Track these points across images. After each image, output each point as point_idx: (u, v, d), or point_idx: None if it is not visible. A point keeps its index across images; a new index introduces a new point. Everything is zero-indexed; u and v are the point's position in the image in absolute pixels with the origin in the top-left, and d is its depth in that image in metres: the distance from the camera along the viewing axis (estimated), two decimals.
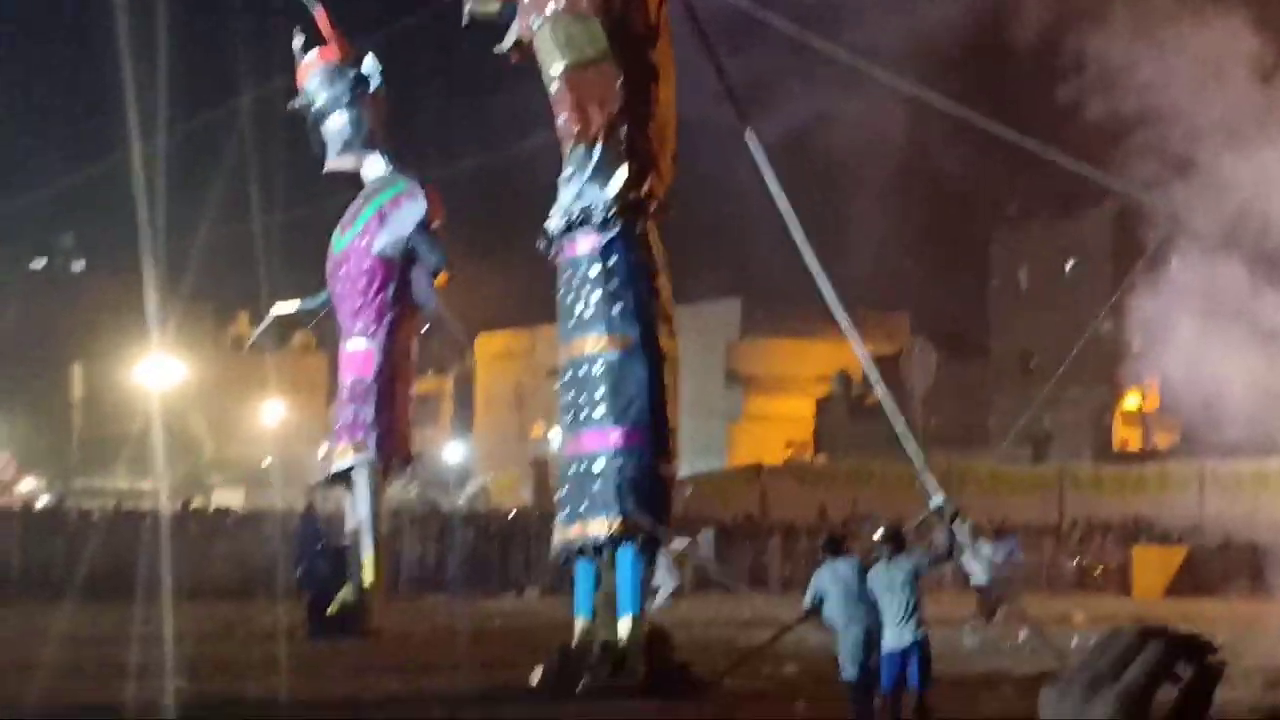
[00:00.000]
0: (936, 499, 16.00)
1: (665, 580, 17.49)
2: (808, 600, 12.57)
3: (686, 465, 18.00)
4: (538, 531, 32.88)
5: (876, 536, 12.60)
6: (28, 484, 58.40)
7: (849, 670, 12.12)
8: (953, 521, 14.68)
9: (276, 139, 23.78)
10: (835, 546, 12.95)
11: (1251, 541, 35.11)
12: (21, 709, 12.80)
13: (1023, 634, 20.08)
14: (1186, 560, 34.77)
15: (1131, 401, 54.28)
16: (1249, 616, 26.97)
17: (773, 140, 16.75)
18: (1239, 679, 17.13)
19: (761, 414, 62.02)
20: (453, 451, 63.90)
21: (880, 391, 17.82)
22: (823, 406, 60.62)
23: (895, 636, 11.71)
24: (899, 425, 17.28)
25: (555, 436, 51.20)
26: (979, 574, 24.60)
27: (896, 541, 12.30)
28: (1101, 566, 35.61)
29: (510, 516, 37.24)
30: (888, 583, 11.81)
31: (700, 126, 17.08)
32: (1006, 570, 26.52)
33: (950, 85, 17.42)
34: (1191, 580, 33.85)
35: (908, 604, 11.76)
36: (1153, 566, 34.58)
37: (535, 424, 56.49)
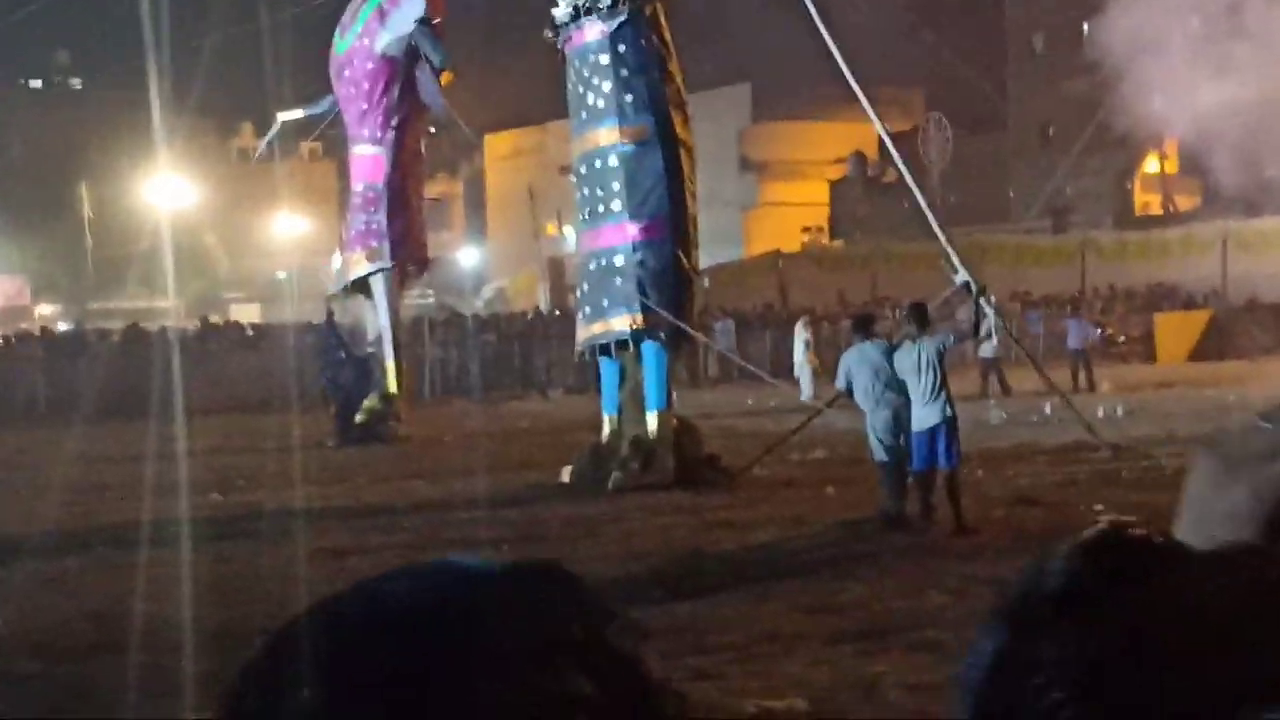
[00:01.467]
0: (960, 275, 15.78)
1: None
2: (840, 381, 12.46)
3: (703, 256, 17.73)
4: (558, 331, 32.90)
5: (901, 315, 12.43)
6: (44, 309, 58.54)
7: (879, 452, 12.07)
8: (980, 296, 14.46)
9: None
10: (864, 327, 12.77)
11: (1277, 301, 34.96)
12: (59, 530, 12.87)
13: (1048, 406, 20.06)
14: (1210, 324, 34.64)
15: (1152, 165, 53.61)
16: (1275, 375, 26.93)
17: None
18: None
19: (777, 200, 61.48)
20: (467, 255, 63.72)
21: (900, 166, 17.43)
22: (838, 189, 60.07)
23: (924, 415, 11.63)
24: (921, 200, 16.93)
25: (570, 235, 50.97)
26: (988, 348, 24.88)
27: (920, 320, 12.14)
28: (1124, 335, 35.49)
29: (529, 318, 37.21)
30: (913, 362, 11.68)
31: None
32: (1080, 341, 27.16)
33: None
34: (1217, 344, 33.75)
35: (935, 382, 11.65)
36: (1176, 332, 34.48)
37: (549, 223, 56.10)
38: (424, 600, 0.76)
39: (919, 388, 11.64)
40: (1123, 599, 0.77)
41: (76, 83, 73.81)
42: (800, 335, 28.24)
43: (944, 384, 11.75)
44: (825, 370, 26.28)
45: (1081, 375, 26.34)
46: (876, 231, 48.00)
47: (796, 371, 27.37)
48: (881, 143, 45.17)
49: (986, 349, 24.48)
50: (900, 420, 11.88)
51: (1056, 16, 53.88)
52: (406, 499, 14.85)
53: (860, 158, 58.78)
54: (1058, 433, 17.96)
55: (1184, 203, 50.82)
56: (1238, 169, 45.94)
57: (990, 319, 18.27)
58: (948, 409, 11.70)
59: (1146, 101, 52.84)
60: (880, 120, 17.35)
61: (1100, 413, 19.61)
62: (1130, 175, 53.77)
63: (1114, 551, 0.80)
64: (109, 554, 11.91)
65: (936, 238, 16.86)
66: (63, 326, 39.88)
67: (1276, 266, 35.00)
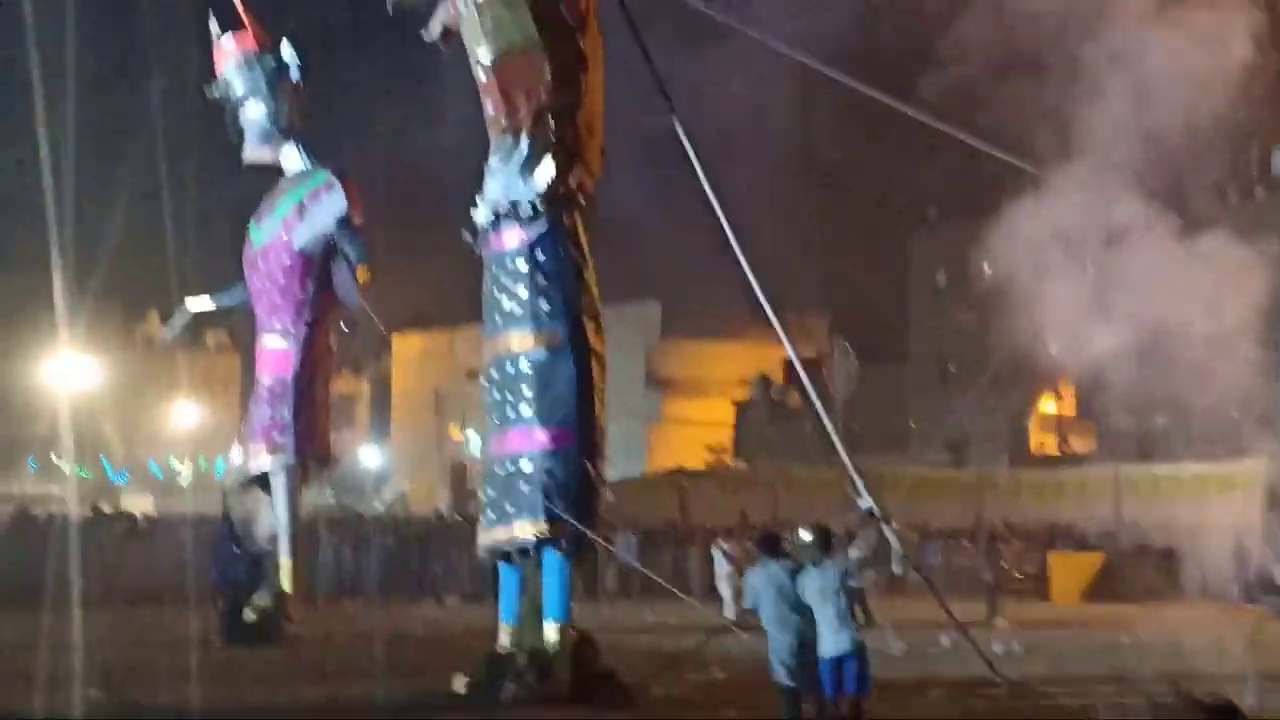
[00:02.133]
0: (865, 501, 15.85)
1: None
2: (747, 600, 12.32)
3: (608, 469, 17.70)
4: (457, 537, 32.47)
5: (804, 539, 12.34)
6: None
7: (782, 675, 11.86)
8: (886, 523, 14.50)
9: (187, 128, 23.25)
10: (771, 546, 12.66)
11: (1167, 546, 35.44)
12: None
13: (945, 639, 20.02)
14: (1103, 566, 35.01)
15: (1048, 406, 54.77)
16: (1165, 620, 27.15)
17: (694, 133, 16.45)
18: (1163, 681, 17.17)
19: (681, 417, 61.87)
20: (369, 455, 63.21)
21: (809, 390, 17.63)
22: (742, 410, 60.63)
23: (833, 643, 11.46)
24: (828, 425, 17.11)
25: (474, 439, 50.76)
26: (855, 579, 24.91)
27: (825, 544, 12.06)
28: (1018, 573, 35.72)
29: (429, 522, 36.73)
30: (820, 587, 11.57)
31: (617, 125, 16.80)
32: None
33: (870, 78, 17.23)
34: (1108, 585, 34.07)
35: (842, 608, 11.54)
36: (1069, 572, 34.78)
37: (453, 427, 55.96)
38: None
39: (825, 613, 11.52)
40: None
41: None
42: (720, 552, 28.23)
43: (852, 610, 11.64)
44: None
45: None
46: (780, 454, 48.34)
47: (720, 587, 27.34)
48: (788, 367, 45.81)
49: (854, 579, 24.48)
50: (805, 644, 11.72)
51: (959, 252, 55.47)
52: (292, 701, 14.38)
53: (765, 381, 59.54)
54: (956, 666, 17.87)
55: (1079, 444, 51.81)
56: (1129, 414, 47.13)
57: (894, 546, 18.37)
58: (858, 637, 11.58)
59: (1042, 343, 54.23)
60: (789, 344, 17.63)
61: (998, 648, 19.59)
62: (1026, 415, 54.89)
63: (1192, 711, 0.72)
64: None
65: (839, 464, 16.99)
66: None
67: (1166, 512, 35.56)
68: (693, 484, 44.32)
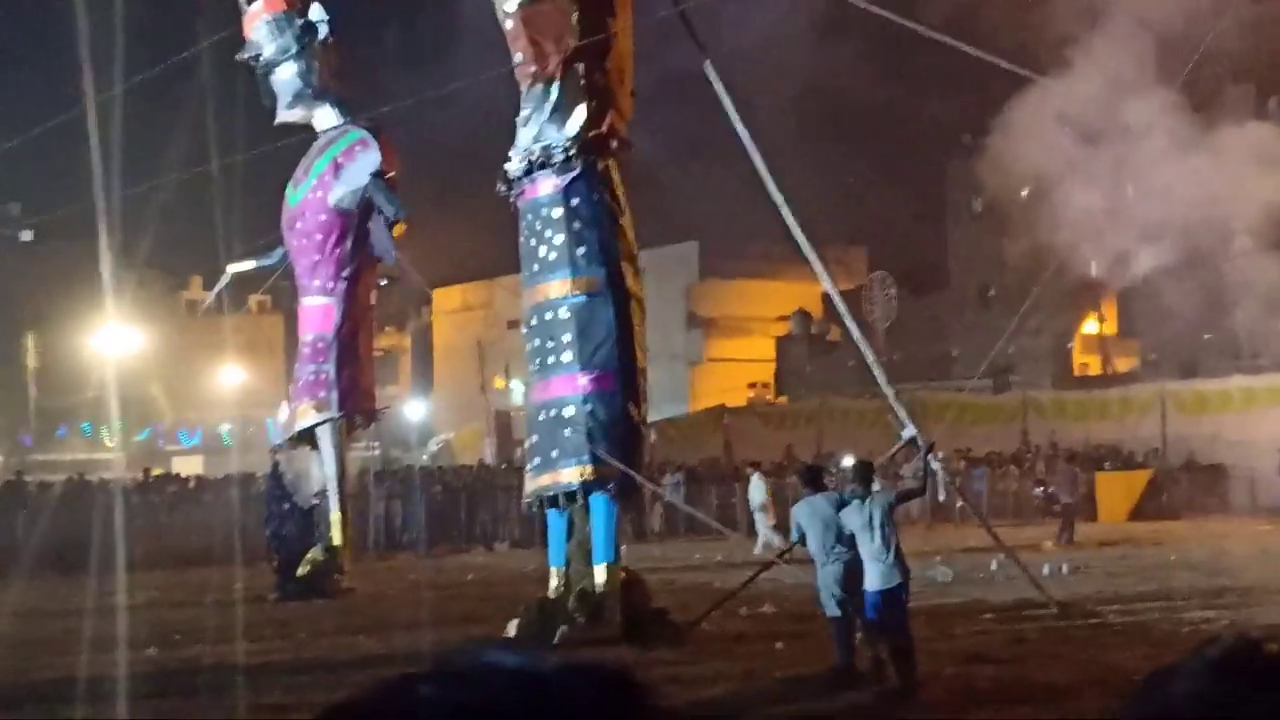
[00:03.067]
0: (908, 430, 15.93)
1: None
2: (793, 534, 12.46)
3: (651, 410, 17.80)
4: (503, 485, 32.75)
5: (845, 472, 12.45)
6: None
7: (830, 606, 12.00)
8: (928, 452, 14.55)
9: (224, 93, 23.33)
10: (814, 480, 12.77)
11: (1214, 461, 35.37)
12: None
13: (994, 563, 20.10)
14: (1150, 483, 34.95)
15: (1090, 327, 54.47)
16: (1215, 536, 27.17)
17: (729, 75, 16.47)
18: (1212, 596, 17.22)
19: (723, 356, 61.92)
20: (414, 408, 63.56)
21: (848, 323, 17.66)
22: (783, 346, 60.58)
23: (879, 575, 11.55)
24: (868, 356, 17.14)
25: (517, 389, 50.99)
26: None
27: (866, 478, 12.16)
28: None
29: (475, 471, 37.00)
30: (863, 521, 11.66)
31: (649, 66, 16.81)
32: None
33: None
34: (1156, 503, 34.05)
35: (888, 540, 11.62)
36: (1117, 491, 34.72)
37: (496, 377, 56.16)
38: (466, 707, 0.69)
39: (871, 546, 11.60)
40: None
41: (27, 235, 73.74)
42: (757, 488, 28.30)
43: (896, 541, 11.74)
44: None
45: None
46: (821, 388, 48.35)
47: (757, 524, 27.45)
48: (826, 301, 45.74)
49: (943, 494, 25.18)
50: (851, 575, 11.83)
51: (995, 179, 55.10)
52: (349, 654, 14.61)
53: (805, 316, 59.44)
54: (1004, 590, 17.96)
55: (1123, 364, 51.55)
56: (1174, 331, 46.86)
57: (938, 474, 18.44)
58: (903, 571, 11.67)
59: (1084, 264, 53.91)
60: (826, 278, 17.65)
61: (1046, 570, 19.66)
62: (1069, 336, 54.59)
63: (1249, 668, 0.69)
64: (42, 711, 11.62)
65: (880, 395, 17.05)
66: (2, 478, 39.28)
67: (1213, 427, 35.45)
68: (736, 421, 44.49)
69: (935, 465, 16.85)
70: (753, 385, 60.46)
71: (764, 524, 27.06)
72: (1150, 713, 0.68)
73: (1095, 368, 52.37)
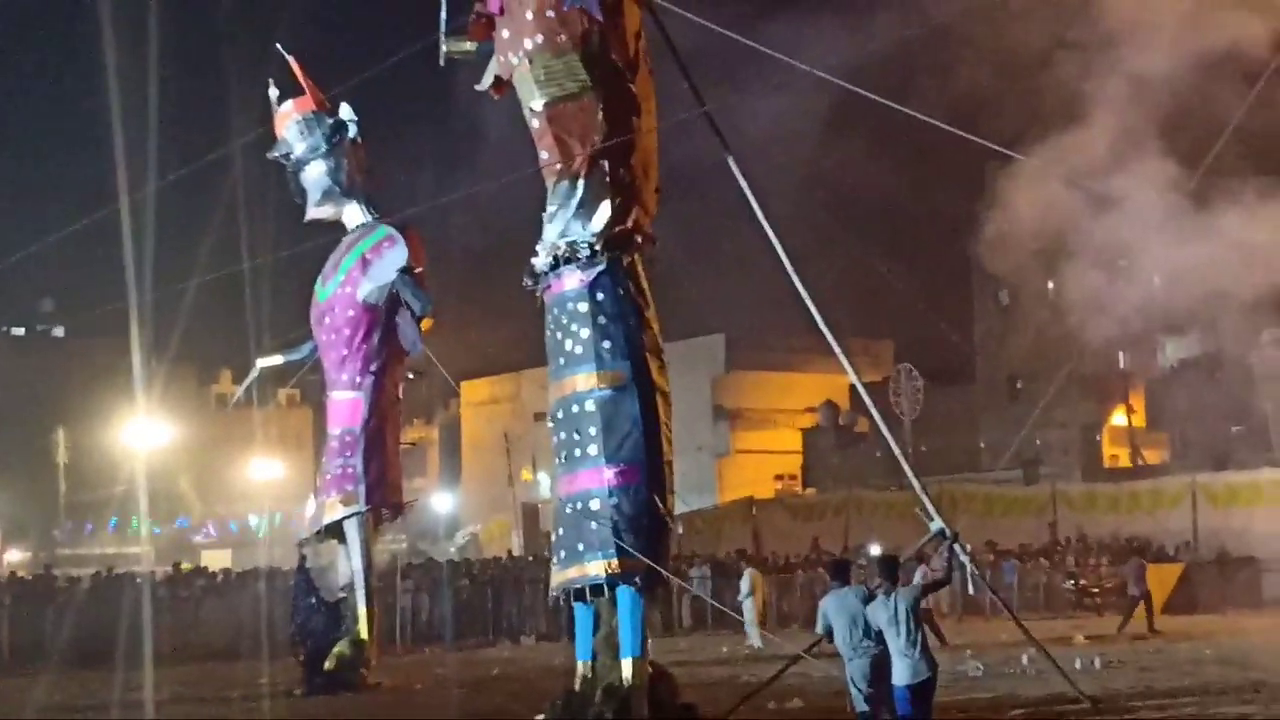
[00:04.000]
0: (936, 523, 15.88)
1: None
2: (819, 626, 12.43)
3: (678, 502, 17.79)
4: (530, 577, 32.68)
5: (870, 565, 12.44)
6: (13, 555, 57.89)
7: (858, 702, 11.95)
8: (954, 543, 14.50)
9: (254, 193, 23.69)
10: (842, 573, 12.75)
11: (1247, 555, 35.02)
12: None
13: (1025, 657, 19.94)
14: (1182, 576, 34.61)
15: (1119, 419, 54.27)
16: (1249, 630, 26.88)
17: (751, 171, 16.64)
18: (1247, 692, 17.02)
19: (750, 448, 61.89)
20: (441, 501, 63.62)
21: (874, 414, 17.69)
22: (810, 438, 60.53)
23: (908, 670, 11.50)
24: (895, 448, 17.14)
25: (545, 481, 50.98)
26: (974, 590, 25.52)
27: (891, 573, 12.12)
28: (1099, 587, 35.45)
29: (502, 563, 36.91)
30: (890, 615, 11.63)
31: (672, 162, 17.00)
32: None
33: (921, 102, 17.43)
34: (1188, 596, 33.71)
35: (913, 634, 11.58)
36: (1149, 585, 34.41)
37: (524, 469, 56.21)
38: None
39: (898, 641, 11.57)
40: None
41: (59, 330, 74.53)
42: (745, 580, 28.38)
43: (922, 636, 11.71)
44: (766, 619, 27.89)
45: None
46: (848, 480, 48.25)
47: (744, 608, 27.78)
48: (853, 392, 45.74)
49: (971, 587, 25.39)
50: (878, 669, 11.79)
51: (1022, 272, 55.22)
52: None
53: (832, 407, 59.44)
54: (1036, 685, 17.80)
55: (1152, 456, 51.29)
56: (1203, 423, 46.67)
57: (967, 567, 18.36)
58: (931, 664, 11.62)
59: (1112, 357, 53.89)
60: (852, 370, 17.69)
61: (1077, 664, 19.49)
62: (1098, 428, 54.44)
63: None
64: None
65: (907, 486, 17.01)
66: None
67: (1244, 521, 35.16)
68: (763, 513, 44.37)
69: (964, 558, 16.78)
70: (779, 477, 60.37)
71: (748, 615, 27.21)
72: None
73: (1124, 460, 52.13)
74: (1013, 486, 43.61)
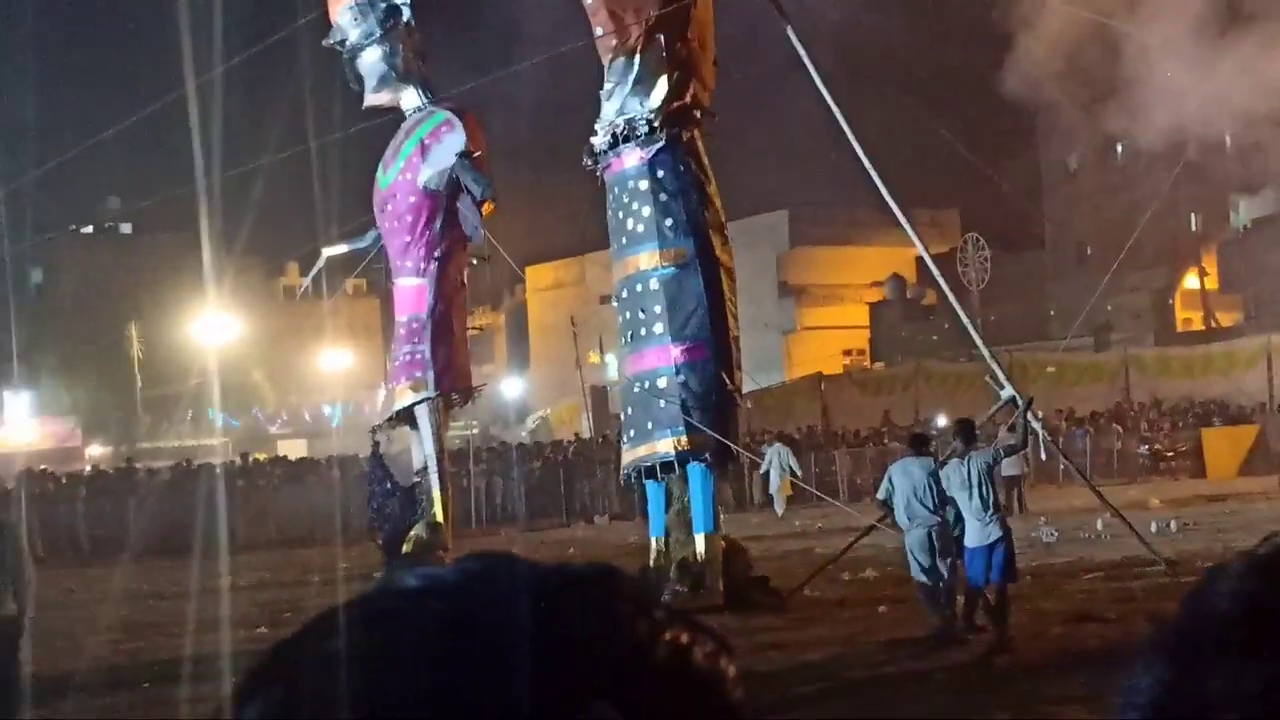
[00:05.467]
0: (1007, 390, 15.77)
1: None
2: (880, 492, 12.46)
3: (746, 380, 17.76)
4: (601, 459, 32.90)
5: (942, 434, 12.43)
6: (94, 449, 59.04)
7: (916, 571, 12.05)
8: (1027, 409, 14.41)
9: (312, 78, 23.56)
10: (916, 444, 12.72)
11: None
12: (107, 666, 12.87)
13: (1099, 522, 19.87)
14: (1258, 438, 34.30)
15: (1191, 282, 53.51)
16: None
17: (809, 39, 16.33)
18: None
19: (816, 324, 61.64)
20: (510, 386, 64.00)
21: (942, 286, 17.51)
22: (877, 312, 60.18)
23: (979, 532, 11.53)
24: (965, 319, 16.97)
25: (612, 364, 51.12)
26: (1011, 465, 25.48)
27: (967, 437, 12.10)
28: (1173, 450, 35.21)
29: (573, 445, 37.16)
30: (963, 478, 11.62)
31: (729, 33, 16.71)
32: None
33: None
34: (1265, 458, 33.41)
35: (986, 498, 11.59)
36: (1224, 447, 34.14)
37: (591, 352, 56.36)
38: (452, 621, 0.68)
39: (971, 504, 11.57)
40: None
41: (126, 227, 75.12)
42: (778, 457, 29.02)
43: (997, 499, 11.72)
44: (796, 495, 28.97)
45: None
46: (917, 353, 47.99)
47: (772, 491, 28.79)
48: (920, 265, 45.34)
49: (1009, 466, 25.21)
50: (935, 539, 11.83)
51: (1090, 137, 54.28)
52: None
53: (899, 280, 58.97)
54: (1111, 549, 17.75)
55: (1225, 318, 50.60)
56: (1277, 283, 45.91)
57: (1040, 433, 18.25)
58: (1003, 525, 11.64)
59: (1183, 219, 52.99)
60: (920, 242, 17.48)
61: (1154, 528, 19.40)
62: (1170, 292, 53.71)
63: None
64: (156, 691, 11.88)
65: (976, 357, 16.90)
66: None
67: None
68: (832, 389, 44.29)
69: (1036, 424, 16.66)
70: (848, 352, 60.14)
71: (773, 485, 29.27)
72: (1197, 613, 0.67)
73: (1197, 323, 51.46)
74: (1084, 353, 43.19)
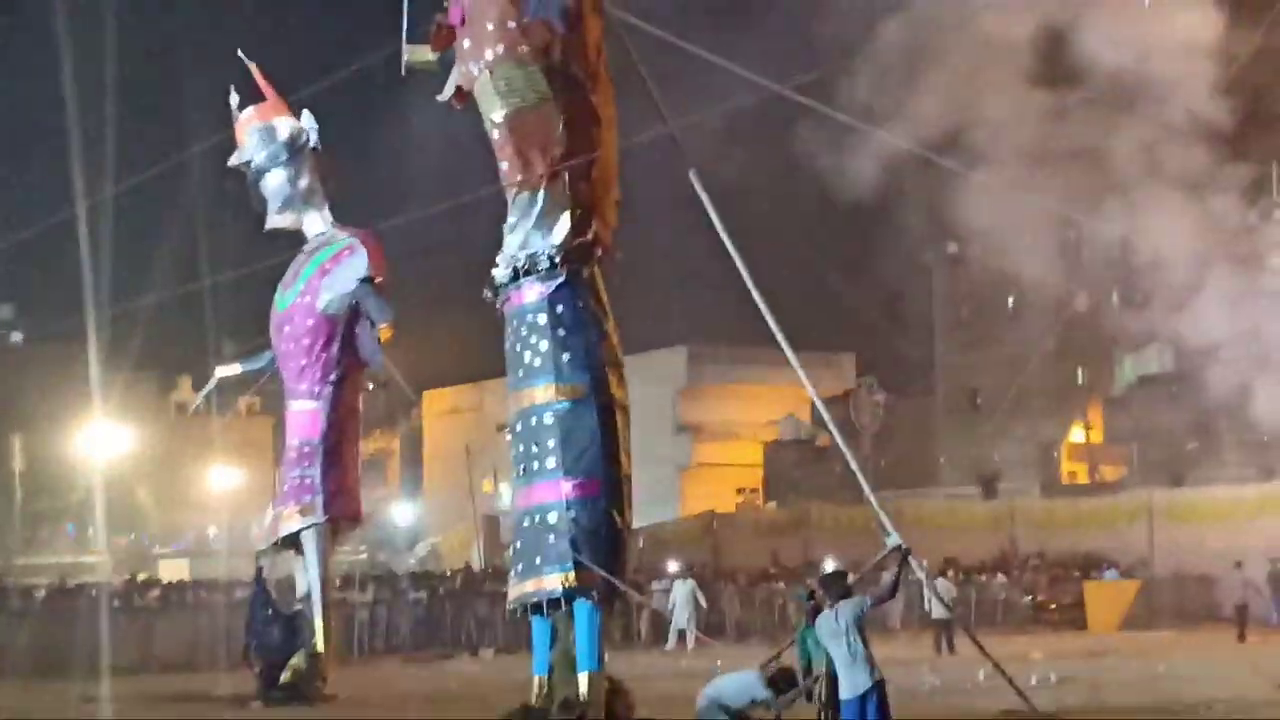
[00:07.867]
0: (893, 538, 15.95)
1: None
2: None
3: (639, 516, 17.80)
4: (490, 590, 32.54)
5: (818, 582, 12.54)
6: None
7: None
8: (905, 558, 14.58)
9: (214, 201, 23.60)
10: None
11: (1203, 572, 35.21)
12: None
13: (982, 673, 19.98)
14: (1139, 593, 34.82)
15: (1078, 435, 54.54)
16: (1204, 645, 27.05)
17: (711, 185, 16.67)
18: (1199, 709, 17.12)
19: (713, 461, 61.91)
20: (403, 511, 63.35)
21: (832, 430, 17.76)
22: (772, 451, 60.56)
23: (851, 680, 11.60)
24: (853, 464, 17.20)
25: (506, 492, 50.85)
26: (939, 609, 25.96)
27: (838, 587, 12.20)
28: (1055, 603, 35.64)
29: (461, 575, 36.77)
30: (833, 629, 11.72)
31: (635, 174, 17.02)
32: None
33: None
34: (1145, 613, 33.91)
35: (853, 647, 11.65)
36: (1106, 601, 34.59)
37: (485, 480, 56.01)
38: None
39: (841, 653, 11.67)
40: None
41: (17, 337, 73.96)
42: (687, 592, 29.80)
43: (867, 648, 11.78)
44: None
45: None
46: (810, 494, 48.27)
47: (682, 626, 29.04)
48: (815, 406, 45.82)
49: (938, 610, 25.94)
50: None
51: (982, 287, 55.52)
52: None
53: (794, 420, 59.51)
54: (991, 698, 17.84)
55: (1109, 472, 51.53)
56: (1160, 440, 46.93)
57: (925, 581, 18.45)
58: (875, 673, 11.69)
59: (1070, 373, 54.22)
60: (813, 384, 17.73)
61: (1033, 680, 19.55)
62: (1057, 445, 54.71)
63: None
64: None
65: (868, 501, 17.07)
66: None
67: (1200, 537, 35.34)
68: (724, 527, 44.35)
69: (920, 573, 16.85)
70: (741, 490, 60.37)
71: (682, 623, 29.71)
72: None
73: (1083, 476, 52.37)
74: (971, 501, 43.74)
